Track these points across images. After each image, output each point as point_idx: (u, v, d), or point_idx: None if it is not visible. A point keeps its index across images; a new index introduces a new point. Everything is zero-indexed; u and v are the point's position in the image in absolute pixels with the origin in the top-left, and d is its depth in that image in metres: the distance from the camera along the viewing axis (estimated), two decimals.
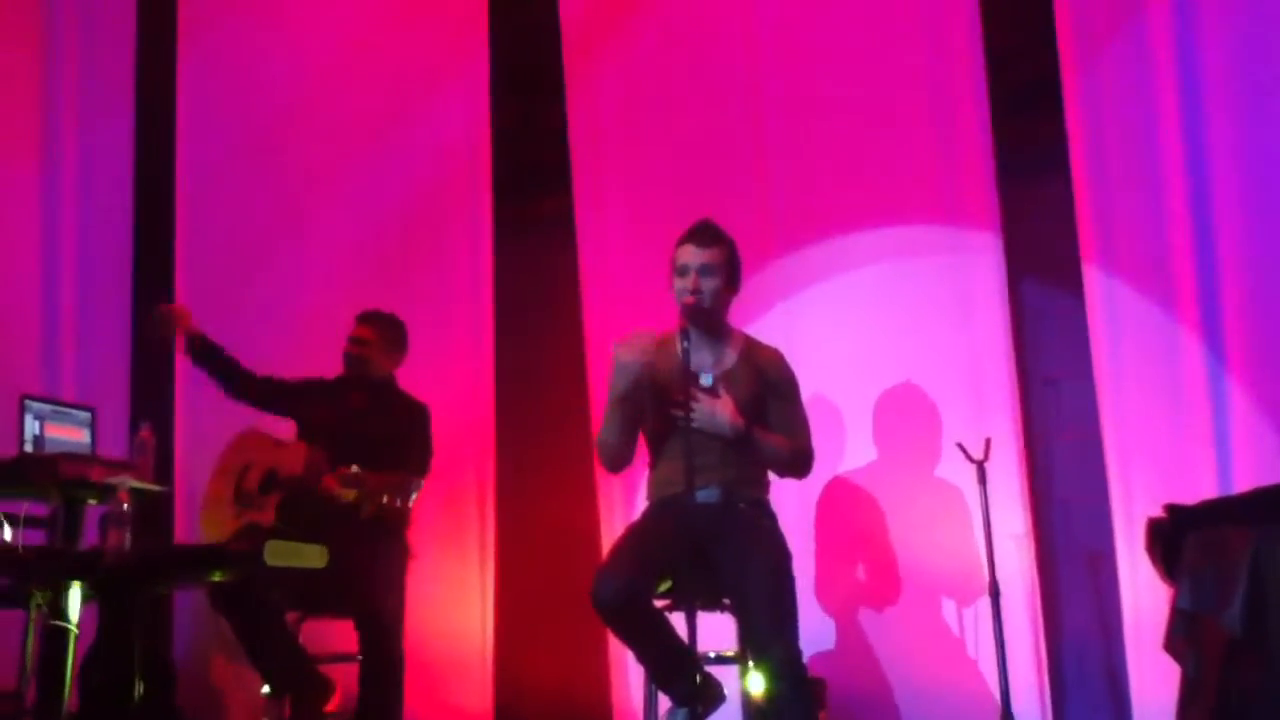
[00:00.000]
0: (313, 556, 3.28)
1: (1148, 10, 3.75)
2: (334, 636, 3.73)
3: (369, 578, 3.54)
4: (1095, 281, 3.73)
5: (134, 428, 3.64)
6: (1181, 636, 2.99)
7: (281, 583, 3.40)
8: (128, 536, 2.95)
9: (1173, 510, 3.16)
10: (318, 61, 4.60)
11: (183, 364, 4.50)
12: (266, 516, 3.55)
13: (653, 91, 4.27)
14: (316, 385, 3.85)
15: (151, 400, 4.49)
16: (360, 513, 3.44)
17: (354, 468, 3.38)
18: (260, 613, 3.48)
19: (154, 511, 3.79)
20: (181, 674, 4.20)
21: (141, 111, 4.75)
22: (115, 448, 4.08)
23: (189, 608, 4.34)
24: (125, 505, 2.95)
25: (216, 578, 3.39)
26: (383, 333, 3.82)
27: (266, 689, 3.55)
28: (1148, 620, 3.48)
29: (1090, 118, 3.78)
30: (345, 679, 3.64)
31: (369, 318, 3.84)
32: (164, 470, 3.99)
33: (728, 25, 4.22)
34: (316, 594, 3.54)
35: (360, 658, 3.49)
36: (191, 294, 4.57)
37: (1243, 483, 3.46)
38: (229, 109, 4.66)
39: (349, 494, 3.41)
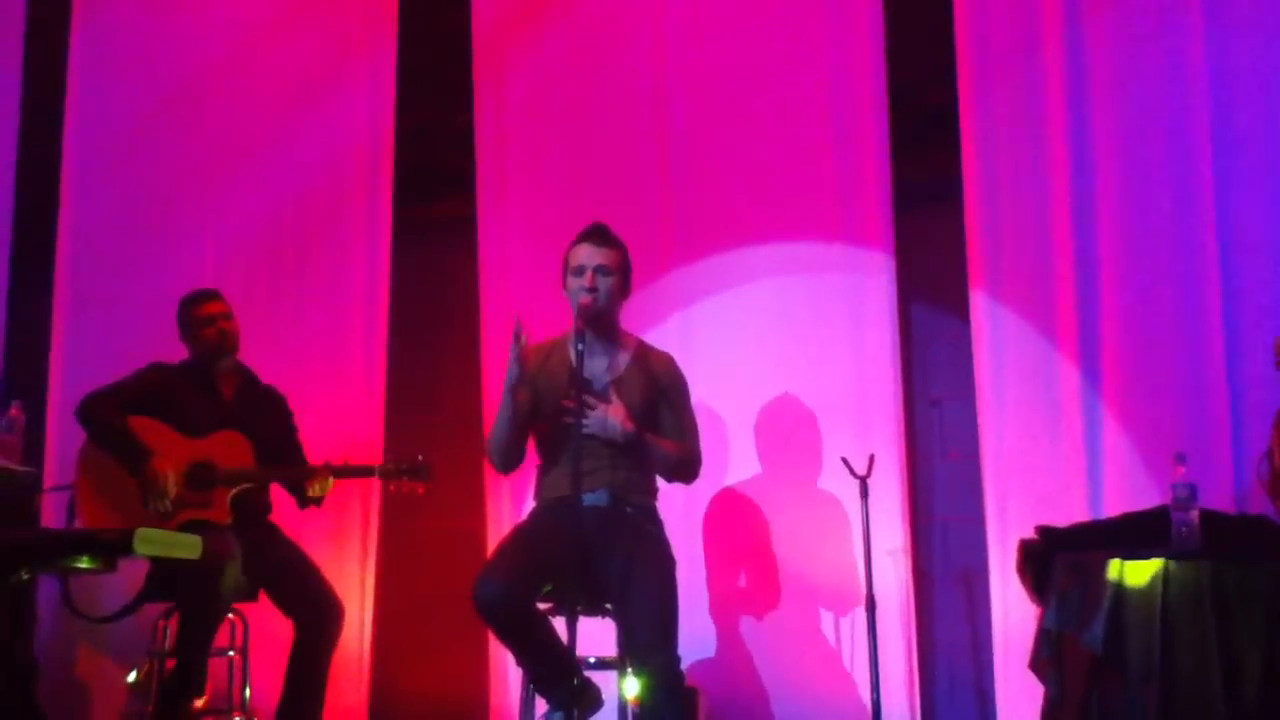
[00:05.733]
0: (187, 547, 3.20)
1: (1042, 52, 3.89)
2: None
3: (309, 563, 3.56)
4: (981, 307, 3.84)
5: (4, 405, 3.49)
6: (1047, 656, 3.08)
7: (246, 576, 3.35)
8: None
9: (1043, 532, 3.26)
10: (220, 48, 4.47)
11: (60, 341, 4.35)
12: (219, 514, 3.44)
13: (561, 99, 4.28)
14: (175, 375, 3.66)
15: (25, 377, 4.32)
16: (317, 504, 3.59)
17: (326, 461, 3.49)
18: (209, 605, 3.36)
19: (21, 495, 3.63)
20: (43, 667, 4.03)
21: (28, 91, 4.54)
22: None
23: (53, 597, 4.17)
24: None
25: (84, 564, 3.27)
26: (229, 306, 3.70)
27: (133, 679, 3.44)
28: (1016, 638, 3.59)
29: (984, 150, 3.90)
30: (215, 675, 3.56)
31: (213, 293, 3.70)
32: (34, 451, 3.84)
33: (638, 37, 4.24)
34: (256, 582, 3.50)
35: (301, 641, 3.44)
36: (74, 274, 4.41)
37: (1112, 506, 3.60)
38: (122, 92, 4.49)
39: (324, 486, 3.50)
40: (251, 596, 3.54)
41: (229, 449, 3.49)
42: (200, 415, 3.56)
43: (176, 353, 3.77)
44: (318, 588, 3.51)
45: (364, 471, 3.57)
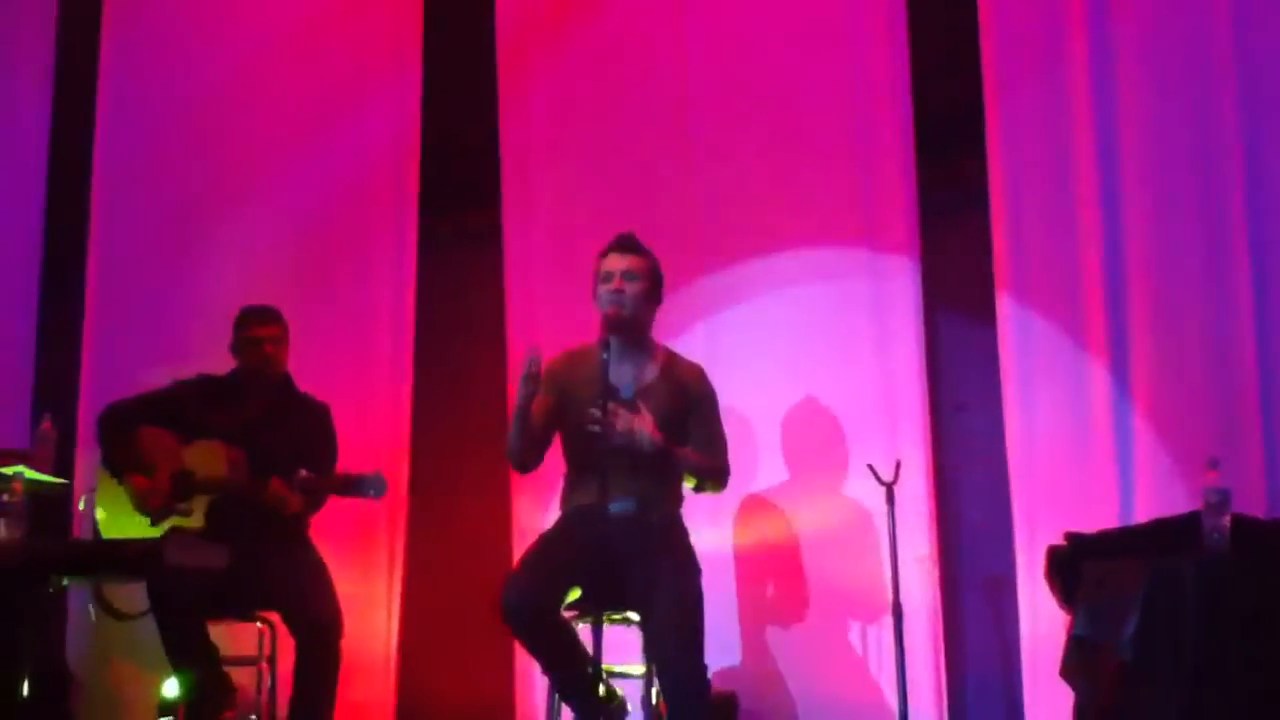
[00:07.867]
0: (213, 556, 3.23)
1: (1067, 52, 3.85)
2: (235, 640, 3.65)
3: (315, 579, 3.51)
4: (1008, 311, 3.81)
5: (35, 418, 3.54)
6: (1077, 664, 3.05)
7: (224, 584, 3.32)
8: (20, 529, 2.87)
9: (1072, 538, 3.23)
10: (246, 63, 4.51)
11: (90, 354, 4.40)
12: (194, 521, 3.44)
13: (584, 109, 4.28)
14: (207, 387, 3.69)
15: (56, 391, 4.37)
16: (302, 517, 3.51)
17: (302, 472, 3.41)
18: (192, 613, 3.36)
19: (52, 506, 3.67)
20: (77, 676, 4.07)
21: (59, 104, 4.61)
22: (16, 439, 3.96)
23: (84, 607, 4.22)
24: (19, 496, 2.87)
25: (115, 573, 3.31)
26: (284, 328, 3.73)
27: (171, 693, 3.45)
28: (1045, 646, 3.55)
29: (1009, 152, 3.87)
30: (243, 683, 3.58)
31: (269, 314, 3.71)
32: (65, 464, 3.88)
33: (660, 47, 4.24)
34: (257, 595, 3.47)
35: (300, 659, 3.41)
36: (103, 285, 4.47)
37: (1143, 512, 3.56)
38: (150, 106, 4.53)
39: (296, 499, 3.41)
40: (274, 608, 3.53)
41: (206, 458, 3.49)
42: (209, 425, 3.56)
43: (204, 363, 3.80)
44: (311, 609, 3.42)
45: (317, 485, 3.47)
